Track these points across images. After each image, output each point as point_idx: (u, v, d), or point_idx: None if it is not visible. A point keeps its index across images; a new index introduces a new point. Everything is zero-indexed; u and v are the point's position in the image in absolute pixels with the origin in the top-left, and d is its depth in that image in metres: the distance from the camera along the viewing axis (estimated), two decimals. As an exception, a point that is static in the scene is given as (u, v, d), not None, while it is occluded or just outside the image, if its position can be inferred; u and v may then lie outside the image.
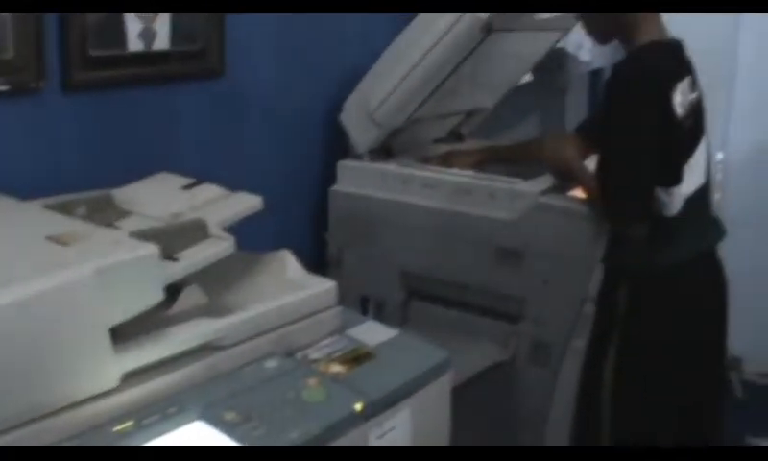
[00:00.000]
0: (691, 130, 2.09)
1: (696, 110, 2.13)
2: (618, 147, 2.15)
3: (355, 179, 2.83)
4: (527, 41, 2.80)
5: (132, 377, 1.50)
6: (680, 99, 2.04)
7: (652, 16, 2.15)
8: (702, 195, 2.10)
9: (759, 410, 3.36)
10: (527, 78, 3.27)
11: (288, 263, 1.94)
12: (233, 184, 2.02)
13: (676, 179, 2.05)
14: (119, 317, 1.47)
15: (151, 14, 2.32)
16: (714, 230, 2.22)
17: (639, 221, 2.13)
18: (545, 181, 2.62)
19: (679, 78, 2.08)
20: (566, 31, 3.19)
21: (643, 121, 2.05)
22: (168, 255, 1.62)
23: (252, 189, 2.01)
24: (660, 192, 2.07)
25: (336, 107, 2.85)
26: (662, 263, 2.09)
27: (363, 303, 2.83)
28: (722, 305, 2.22)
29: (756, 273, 3.69)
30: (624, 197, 2.13)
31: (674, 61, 2.12)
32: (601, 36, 2.23)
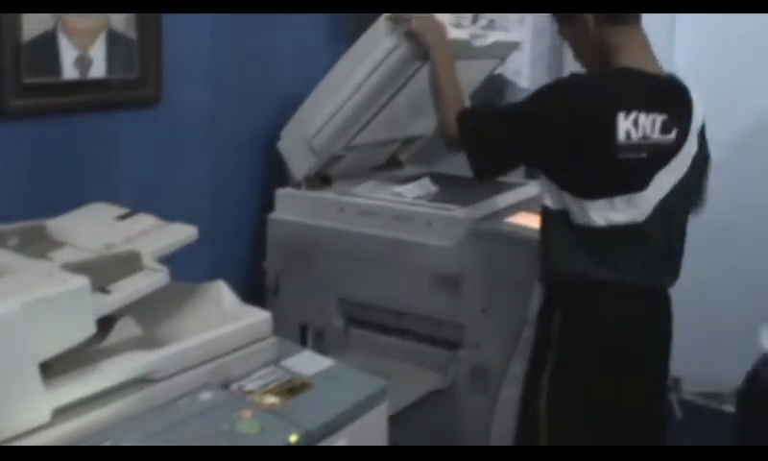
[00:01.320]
0: (638, 165, 2.05)
1: (659, 152, 2.08)
2: (508, 109, 2.24)
3: (293, 206, 2.83)
4: (465, 69, 2.82)
5: (63, 412, 1.49)
6: (628, 127, 2.00)
7: (640, 47, 2.13)
8: (641, 231, 2.09)
9: (698, 430, 3.40)
10: (465, 104, 3.30)
11: (223, 294, 1.93)
12: (170, 214, 2.01)
13: (588, 194, 2.05)
14: (49, 351, 1.46)
15: (86, 42, 2.31)
16: (660, 269, 2.19)
17: (474, 167, 2.19)
18: (483, 208, 2.66)
19: (638, 107, 2.03)
20: (504, 59, 3.24)
21: (546, 110, 2.06)
22: (101, 288, 1.61)
23: (188, 218, 2.00)
24: (567, 198, 2.08)
25: (274, 134, 2.85)
26: (590, 277, 2.10)
27: (302, 332, 2.84)
28: (660, 336, 2.24)
29: (695, 292, 3.75)
30: (478, 143, 2.18)
31: (642, 91, 2.07)
32: (587, 61, 2.23)
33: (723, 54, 3.90)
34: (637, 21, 2.15)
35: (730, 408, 4.07)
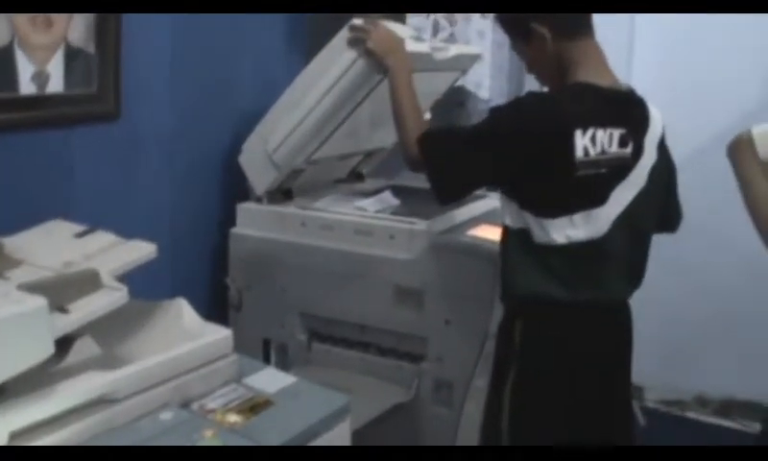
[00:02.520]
0: (597, 180, 2.05)
1: (617, 167, 2.08)
2: (466, 131, 2.22)
3: (255, 221, 2.83)
4: (426, 81, 2.83)
5: (21, 435, 1.47)
6: (585, 143, 2.01)
7: (596, 61, 2.14)
8: (600, 246, 2.10)
9: (662, 438, 3.43)
10: (426, 116, 3.31)
11: (184, 311, 1.91)
12: (129, 231, 1.99)
13: (548, 212, 2.06)
14: (6, 373, 1.44)
15: (44, 57, 2.29)
16: (620, 283, 2.19)
17: (436, 192, 2.19)
18: (445, 221, 2.66)
19: (595, 123, 2.03)
20: (465, 71, 3.25)
21: (503, 131, 2.06)
22: (59, 307, 1.59)
23: (149, 235, 1.98)
24: (527, 217, 2.09)
25: (235, 148, 2.85)
26: (550, 296, 2.11)
27: (265, 346, 2.83)
28: (620, 348, 2.25)
29: (656, 301, 3.78)
30: (439, 168, 2.17)
31: (599, 106, 2.07)
32: (543, 77, 2.24)
33: (682, 63, 3.95)
34: (592, 35, 2.16)
35: (692, 415, 4.12)
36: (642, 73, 3.87)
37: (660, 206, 2.24)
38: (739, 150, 2.27)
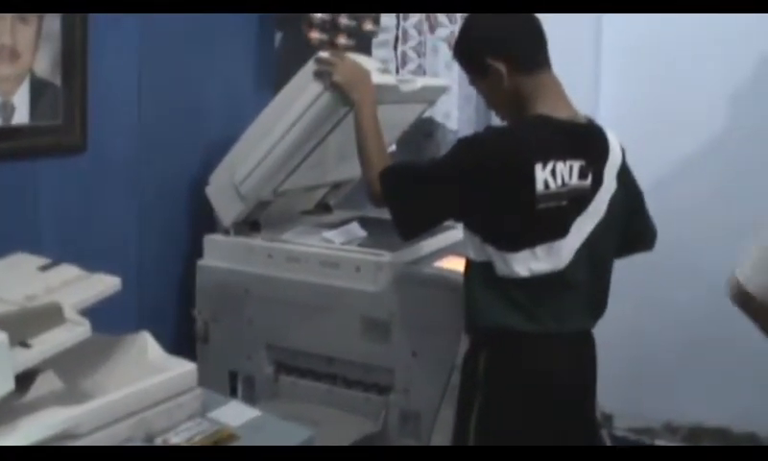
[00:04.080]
0: (558, 213, 2.08)
1: (577, 198, 2.12)
2: (427, 167, 2.27)
3: (222, 253, 2.83)
4: (394, 113, 2.85)
5: (-20, 472, 1.47)
6: (546, 176, 2.04)
7: (554, 93, 2.17)
8: (563, 278, 2.12)
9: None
10: (391, 148, 3.33)
11: (148, 345, 1.91)
12: (94, 264, 1.99)
13: (510, 246, 2.08)
14: (-34, 409, 1.44)
15: (9, 88, 2.29)
16: (584, 313, 2.22)
17: (398, 228, 2.23)
18: (411, 252, 2.68)
19: (555, 156, 2.06)
20: (433, 102, 3.28)
21: (464, 167, 2.09)
22: (20, 342, 1.59)
23: (114, 267, 1.98)
24: (489, 250, 2.11)
25: (203, 179, 2.85)
26: (513, 329, 2.13)
27: (232, 379, 2.82)
28: (584, 378, 2.27)
29: (623, 329, 3.81)
30: (400, 205, 2.22)
31: (558, 139, 2.10)
32: (502, 111, 2.26)
33: (648, 90, 3.99)
34: (549, 68, 2.20)
35: (661, 442, 4.14)
36: (609, 101, 3.93)
37: (622, 234, 2.27)
38: (736, 298, 2.34)
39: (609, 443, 3.75)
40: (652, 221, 2.41)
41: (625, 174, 2.28)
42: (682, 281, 3.97)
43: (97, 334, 1.74)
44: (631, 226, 2.31)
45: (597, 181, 2.16)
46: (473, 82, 2.28)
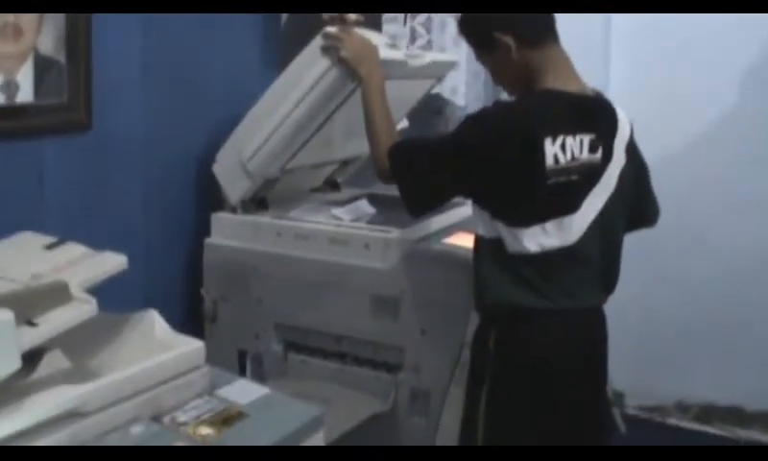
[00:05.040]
0: (568, 187, 2.07)
1: (588, 172, 2.11)
2: (436, 143, 2.25)
3: (229, 231, 2.82)
4: (402, 89, 2.84)
5: (-12, 450, 1.46)
6: (556, 151, 2.03)
7: (563, 67, 2.16)
8: (574, 253, 2.11)
9: (642, 444, 3.44)
10: (403, 124, 3.32)
11: (155, 323, 1.91)
12: (101, 242, 1.98)
13: (520, 222, 2.07)
14: (-28, 388, 1.43)
15: (12, 66, 2.28)
16: (594, 290, 2.21)
17: (408, 205, 2.23)
18: (420, 229, 2.67)
19: (564, 130, 2.05)
20: (441, 78, 3.26)
21: (472, 141, 2.08)
22: (27, 320, 1.58)
23: (122, 245, 1.97)
24: (499, 226, 2.10)
25: (210, 157, 2.84)
26: (523, 306, 2.12)
27: (240, 358, 2.82)
28: (595, 355, 2.26)
29: (635, 306, 3.80)
30: (409, 181, 2.21)
31: (567, 112, 2.09)
32: (509, 86, 2.24)
33: (660, 63, 3.97)
34: (557, 41, 2.18)
35: (673, 421, 4.14)
36: (619, 78, 3.90)
37: (631, 208, 2.25)
38: None
39: (620, 421, 3.76)
40: (656, 197, 2.39)
41: (633, 148, 2.26)
42: (695, 258, 3.96)
43: (104, 313, 1.74)
44: (637, 201, 2.29)
45: (607, 155, 2.15)
46: (480, 57, 2.26)
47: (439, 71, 3.14)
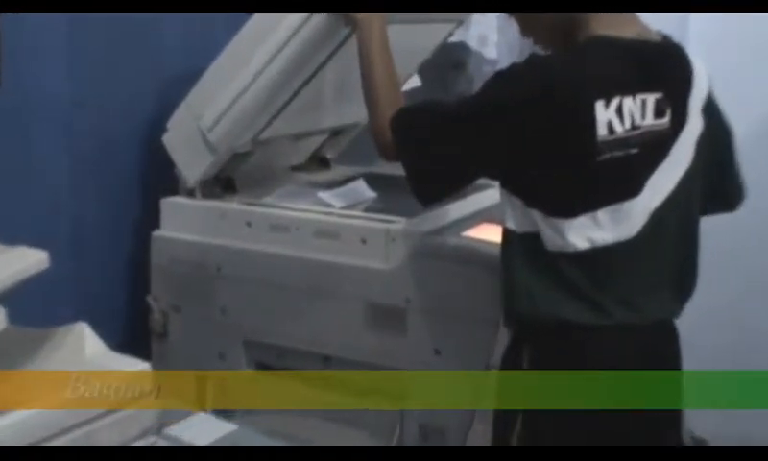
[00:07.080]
0: (627, 164, 2.05)
1: (654, 144, 2.09)
2: (454, 108, 2.22)
3: (185, 221, 2.84)
4: (410, 36, 2.83)
5: None
6: (610, 117, 2.00)
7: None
8: (634, 250, 2.10)
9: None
10: (414, 82, 3.32)
11: (86, 339, 1.91)
12: (17, 232, 1.97)
13: (563, 210, 2.06)
14: None
15: None
16: (662, 297, 2.18)
17: (416, 191, 2.21)
18: (433, 219, 2.66)
19: (621, 89, 2.03)
20: (461, 22, 3.25)
21: (502, 105, 2.06)
22: None
23: (42, 239, 1.96)
24: (536, 217, 2.09)
25: (159, 125, 2.84)
26: (567, 321, 2.11)
27: (199, 385, 2.82)
28: (664, 387, 2.24)
29: (725, 320, 3.79)
30: (419, 159, 2.20)
31: (624, 66, 2.07)
32: (545, 38, 2.24)
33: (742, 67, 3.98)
34: None
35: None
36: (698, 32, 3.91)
37: (709, 187, 2.24)
38: None
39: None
40: (741, 173, 2.38)
41: (712, 108, 2.25)
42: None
43: (17, 327, 1.74)
44: (717, 177, 2.28)
45: (679, 120, 2.13)
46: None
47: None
